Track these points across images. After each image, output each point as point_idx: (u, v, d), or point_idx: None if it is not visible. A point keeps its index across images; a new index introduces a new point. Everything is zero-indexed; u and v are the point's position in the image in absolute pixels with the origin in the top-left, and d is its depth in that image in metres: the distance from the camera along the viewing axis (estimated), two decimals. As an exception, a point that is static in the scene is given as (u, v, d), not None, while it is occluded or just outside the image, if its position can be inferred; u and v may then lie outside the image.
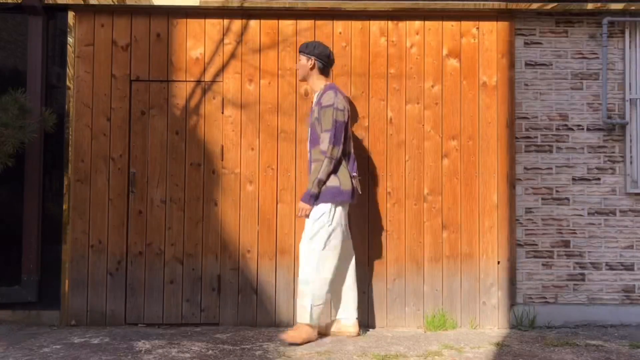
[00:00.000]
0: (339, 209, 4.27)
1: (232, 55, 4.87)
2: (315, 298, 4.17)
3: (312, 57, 4.39)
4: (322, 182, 4.20)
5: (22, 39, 4.91)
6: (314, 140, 4.29)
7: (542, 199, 4.87)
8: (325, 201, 4.22)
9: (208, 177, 4.82)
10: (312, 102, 4.55)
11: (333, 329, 4.41)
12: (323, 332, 4.38)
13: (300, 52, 4.45)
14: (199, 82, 4.86)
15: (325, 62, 4.43)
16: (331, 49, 4.55)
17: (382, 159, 4.85)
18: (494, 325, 4.76)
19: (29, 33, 4.84)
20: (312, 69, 4.40)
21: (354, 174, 4.36)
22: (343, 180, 4.25)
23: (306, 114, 4.84)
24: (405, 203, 4.83)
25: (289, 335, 4.14)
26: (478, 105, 4.88)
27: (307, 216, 4.25)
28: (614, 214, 4.87)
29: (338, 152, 4.22)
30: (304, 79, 4.50)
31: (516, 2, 4.83)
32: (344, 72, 4.87)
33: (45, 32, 4.87)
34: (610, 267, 4.84)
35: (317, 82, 4.43)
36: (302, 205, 4.25)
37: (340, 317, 4.42)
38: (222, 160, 4.83)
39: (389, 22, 4.91)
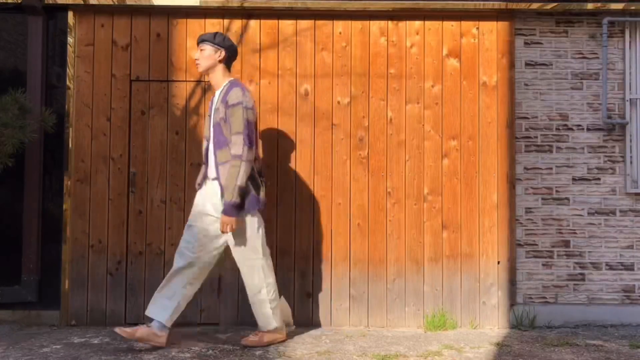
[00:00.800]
0: (257, 215, 4.06)
1: (232, 55, 4.87)
2: (272, 301, 4.08)
3: (223, 49, 4.08)
4: (242, 190, 3.89)
5: (22, 39, 4.91)
6: (220, 142, 3.96)
7: (542, 199, 4.87)
8: (247, 212, 3.98)
9: (208, 177, 4.82)
10: (214, 97, 4.16)
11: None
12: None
13: (205, 41, 4.09)
14: (199, 82, 4.86)
15: (233, 56, 4.18)
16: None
17: (382, 159, 4.85)
18: (494, 325, 4.76)
19: (29, 33, 4.84)
20: (220, 61, 4.09)
21: (263, 178, 4.15)
22: (255, 186, 4.01)
23: (306, 114, 4.85)
24: (405, 203, 4.83)
25: (249, 340, 4.08)
26: (478, 105, 4.88)
27: (233, 230, 3.91)
28: (614, 214, 4.87)
29: (252, 154, 3.95)
30: (207, 71, 4.13)
31: (516, 2, 4.83)
32: (344, 72, 4.87)
33: (45, 32, 4.87)
34: (610, 267, 4.84)
35: (222, 77, 4.11)
36: (226, 219, 3.86)
37: None
38: (222, 160, 4.83)
39: (389, 22, 4.91)
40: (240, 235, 4.00)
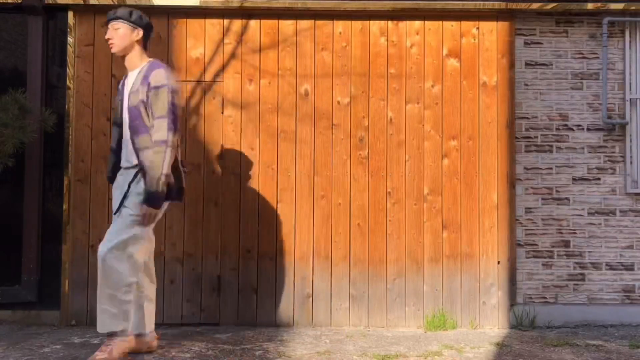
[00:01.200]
0: (165, 206, 3.72)
1: (232, 55, 4.88)
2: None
3: (140, 28, 3.71)
4: (168, 178, 3.57)
5: (22, 39, 4.91)
6: (139, 127, 3.59)
7: (542, 199, 4.87)
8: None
9: (208, 177, 4.82)
10: (127, 80, 3.78)
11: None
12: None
13: (119, 19, 3.68)
14: (199, 82, 4.86)
15: (150, 34, 3.81)
16: None
17: (382, 159, 4.85)
18: (494, 325, 4.76)
19: (29, 33, 4.84)
20: (138, 41, 3.71)
21: (185, 168, 3.85)
22: (177, 176, 3.71)
23: (306, 114, 4.85)
24: (405, 203, 4.83)
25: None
26: (478, 105, 4.88)
27: (154, 222, 3.62)
28: (614, 214, 4.87)
29: (176, 140, 3.63)
30: (123, 53, 3.72)
31: (516, 2, 4.83)
32: (344, 72, 4.88)
33: (45, 32, 4.87)
34: (610, 267, 4.84)
35: (139, 58, 3.74)
36: (151, 210, 3.54)
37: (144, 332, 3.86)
38: (222, 160, 4.83)
39: (389, 22, 4.91)
40: (128, 220, 3.61)
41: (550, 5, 4.84)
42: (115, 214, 3.70)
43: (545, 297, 4.82)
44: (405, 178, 4.85)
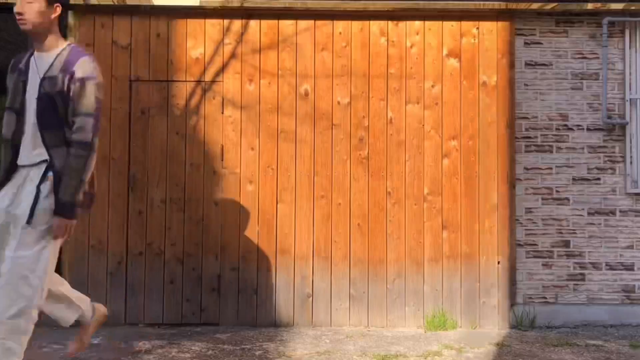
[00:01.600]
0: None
1: (232, 55, 4.88)
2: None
3: (58, 4, 3.13)
4: (84, 185, 3.07)
5: (22, 39, 4.91)
6: (50, 120, 3.05)
7: (542, 199, 4.87)
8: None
9: (208, 177, 4.82)
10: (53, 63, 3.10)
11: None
12: None
13: None
14: (199, 82, 4.86)
15: (65, 10, 3.34)
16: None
17: (382, 159, 4.85)
18: (494, 325, 4.76)
19: (29, 33, 4.84)
20: (55, 19, 3.12)
21: (93, 171, 3.23)
22: (90, 181, 3.20)
23: (306, 114, 4.85)
24: (405, 203, 4.83)
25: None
26: (478, 105, 4.88)
27: (69, 235, 3.06)
28: (614, 214, 4.87)
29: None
30: (36, 30, 3.07)
31: (516, 2, 4.83)
32: (344, 72, 4.87)
33: (45, 32, 4.86)
34: (610, 267, 4.84)
35: (56, 39, 3.14)
36: (67, 222, 2.99)
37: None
38: (222, 160, 4.83)
39: (389, 22, 4.91)
40: (37, 230, 2.97)
41: (550, 5, 4.84)
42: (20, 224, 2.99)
43: (545, 297, 4.82)
44: (405, 178, 4.85)
